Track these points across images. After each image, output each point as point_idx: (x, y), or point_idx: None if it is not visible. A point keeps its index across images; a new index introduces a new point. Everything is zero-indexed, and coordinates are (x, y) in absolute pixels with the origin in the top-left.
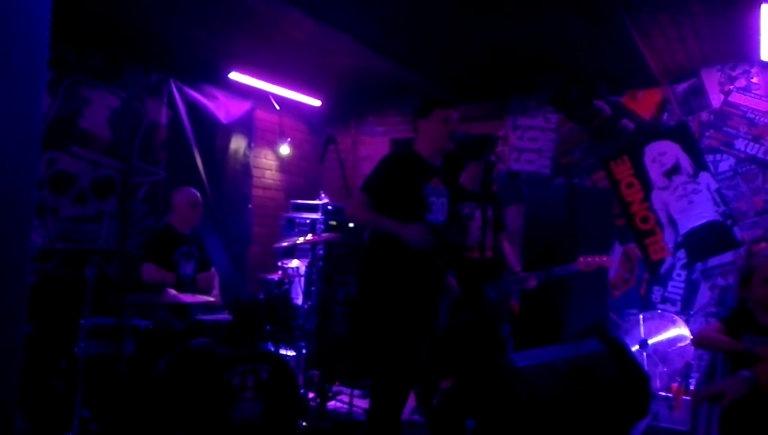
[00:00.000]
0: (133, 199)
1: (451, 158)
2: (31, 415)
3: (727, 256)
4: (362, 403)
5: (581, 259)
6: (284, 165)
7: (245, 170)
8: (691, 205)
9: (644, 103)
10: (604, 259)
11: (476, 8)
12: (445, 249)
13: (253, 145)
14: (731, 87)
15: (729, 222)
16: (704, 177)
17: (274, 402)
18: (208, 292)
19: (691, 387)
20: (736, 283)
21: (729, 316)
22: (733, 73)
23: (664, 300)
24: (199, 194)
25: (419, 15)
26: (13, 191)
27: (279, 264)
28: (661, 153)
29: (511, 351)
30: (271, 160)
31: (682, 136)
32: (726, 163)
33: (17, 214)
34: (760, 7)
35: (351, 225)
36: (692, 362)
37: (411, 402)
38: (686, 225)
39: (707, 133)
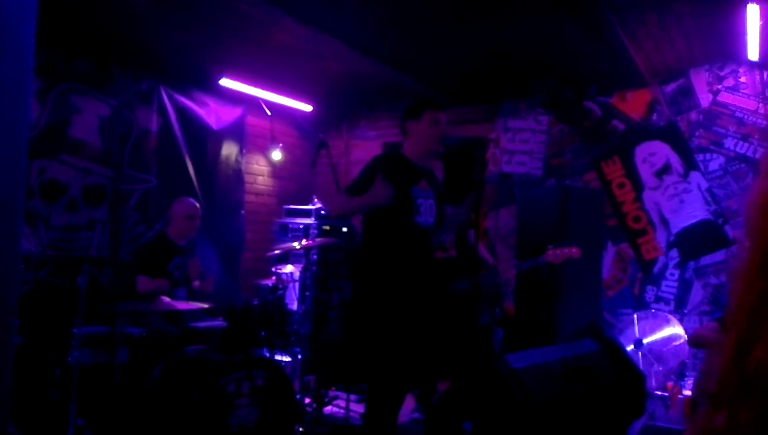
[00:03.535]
0: (125, 207)
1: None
2: (25, 425)
3: (719, 255)
4: (359, 408)
5: (549, 252)
6: (276, 170)
7: (237, 176)
8: (682, 204)
9: (633, 104)
10: (573, 250)
11: (466, 12)
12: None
13: (244, 151)
14: (720, 86)
15: (720, 220)
16: (695, 176)
17: (270, 408)
18: (201, 284)
19: (686, 387)
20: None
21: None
22: (722, 73)
23: (658, 299)
24: (198, 206)
25: (410, 19)
26: (1, 200)
27: (273, 269)
28: (652, 153)
29: (498, 340)
30: (263, 166)
31: (672, 136)
32: (716, 162)
33: (6, 223)
34: (746, 6)
35: (344, 229)
36: (687, 361)
37: (411, 402)
38: (678, 224)
39: (697, 133)
